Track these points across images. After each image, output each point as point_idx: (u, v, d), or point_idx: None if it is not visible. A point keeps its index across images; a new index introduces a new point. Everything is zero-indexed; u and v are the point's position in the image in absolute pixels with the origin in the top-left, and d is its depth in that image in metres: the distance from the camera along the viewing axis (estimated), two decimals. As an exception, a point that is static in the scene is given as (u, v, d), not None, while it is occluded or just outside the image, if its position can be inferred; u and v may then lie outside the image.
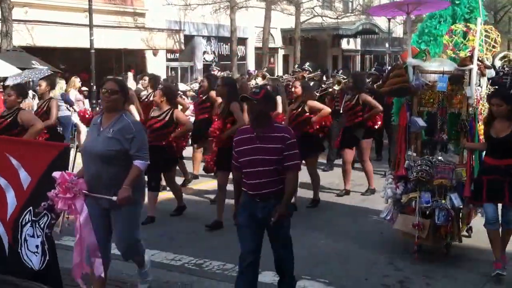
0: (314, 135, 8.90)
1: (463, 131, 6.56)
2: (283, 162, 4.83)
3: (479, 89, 6.59)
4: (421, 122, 6.71)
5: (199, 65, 26.87)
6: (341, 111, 10.78)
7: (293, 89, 9.37)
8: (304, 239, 6.99)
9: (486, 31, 6.85)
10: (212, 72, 15.20)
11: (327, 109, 9.04)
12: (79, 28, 18.96)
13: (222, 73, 15.62)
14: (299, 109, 8.80)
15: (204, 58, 27.47)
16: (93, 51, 17.96)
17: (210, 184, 10.14)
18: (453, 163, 6.53)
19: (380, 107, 9.75)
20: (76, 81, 15.72)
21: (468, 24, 6.89)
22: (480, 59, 6.55)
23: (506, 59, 19.69)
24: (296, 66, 17.80)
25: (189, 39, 26.04)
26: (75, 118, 13.45)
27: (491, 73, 6.89)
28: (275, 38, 31.11)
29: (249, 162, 4.89)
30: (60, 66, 19.18)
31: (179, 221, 8.15)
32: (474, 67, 6.40)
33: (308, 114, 8.79)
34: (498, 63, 15.45)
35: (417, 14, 7.72)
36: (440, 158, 6.63)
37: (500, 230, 6.06)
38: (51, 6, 19.73)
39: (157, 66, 23.21)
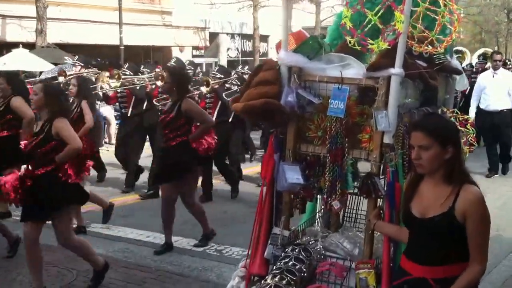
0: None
1: (370, 196, 3.30)
2: None
3: (414, 114, 3.46)
4: (293, 174, 3.49)
5: (223, 61, 26.96)
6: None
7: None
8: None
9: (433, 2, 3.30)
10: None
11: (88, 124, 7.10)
12: (110, 25, 19.14)
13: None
14: None
15: (228, 55, 27.56)
16: (122, 47, 18.15)
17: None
18: (351, 256, 3.43)
19: (210, 121, 6.39)
20: (105, 75, 15.86)
21: None
22: (426, 53, 3.41)
23: (487, 54, 18.77)
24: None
25: (214, 36, 26.14)
26: (105, 111, 13.59)
27: (462, 82, 4.24)
28: (296, 35, 30.97)
29: None
30: (91, 62, 19.37)
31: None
32: (396, 71, 3.20)
33: None
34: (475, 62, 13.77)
35: None
36: (332, 241, 3.53)
37: None
38: (83, 5, 19.87)
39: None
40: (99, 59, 13.75)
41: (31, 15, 17.04)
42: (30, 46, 16.41)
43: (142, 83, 9.15)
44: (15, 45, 16.05)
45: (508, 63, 18.22)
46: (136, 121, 9.07)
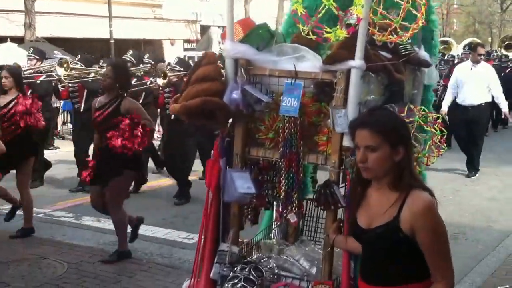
0: None
1: (329, 207, 2.89)
2: None
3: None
4: (244, 183, 3.07)
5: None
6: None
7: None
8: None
9: None
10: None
11: None
12: (99, 19, 18.98)
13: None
14: None
15: (220, 47, 27.44)
16: (112, 41, 18.02)
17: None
18: (308, 275, 3.08)
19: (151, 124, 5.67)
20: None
21: None
22: (391, 43, 3.12)
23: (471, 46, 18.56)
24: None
25: (205, 29, 26.01)
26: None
27: (431, 75, 3.76)
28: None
29: None
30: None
31: (192, 203, 8.15)
32: (357, 63, 2.80)
33: None
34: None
35: None
36: (288, 258, 3.16)
37: None
38: (72, -2, 19.82)
39: (174, 55, 23.19)
40: (85, 53, 13.57)
41: (19, 8, 16.89)
42: (18, 41, 16.25)
43: (95, 77, 8.65)
44: (3, 39, 15.90)
45: (494, 53, 18.22)
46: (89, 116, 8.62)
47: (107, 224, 6.71)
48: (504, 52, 17.99)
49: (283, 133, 2.93)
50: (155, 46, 23.67)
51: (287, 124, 2.91)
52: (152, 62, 10.06)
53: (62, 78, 8.65)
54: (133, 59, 9.59)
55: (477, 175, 9.31)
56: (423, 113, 3.22)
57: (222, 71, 3.17)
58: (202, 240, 3.22)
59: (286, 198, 2.95)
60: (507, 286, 4.92)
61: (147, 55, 10.37)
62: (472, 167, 9.38)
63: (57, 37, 18.15)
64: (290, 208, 2.96)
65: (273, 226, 3.54)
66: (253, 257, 3.13)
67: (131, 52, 9.87)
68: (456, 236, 6.30)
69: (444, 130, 3.27)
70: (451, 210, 7.24)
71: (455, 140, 9.97)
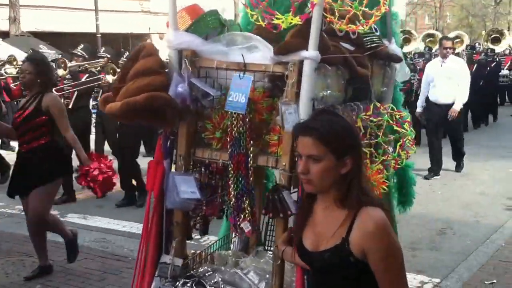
0: None
1: (278, 215, 2.53)
2: None
3: (338, 111, 2.66)
4: (188, 187, 2.75)
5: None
6: None
7: None
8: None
9: None
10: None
11: None
12: (85, 12, 18.75)
13: None
14: None
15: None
16: (99, 35, 17.81)
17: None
18: None
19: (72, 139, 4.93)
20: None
21: None
22: (354, 34, 2.87)
23: (458, 39, 18.44)
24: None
25: (195, 22, 25.82)
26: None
27: (402, 71, 3.51)
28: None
29: None
30: (69, 51, 19.09)
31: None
32: (310, 54, 2.47)
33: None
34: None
35: None
36: (236, 271, 2.83)
37: None
38: (58, -9, 19.57)
39: (164, 49, 23.06)
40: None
41: (3, 2, 16.67)
42: (3, 35, 16.08)
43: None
44: (-14, 34, 15.74)
45: (478, 46, 18.04)
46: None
47: (93, 221, 6.66)
48: (491, 46, 17.77)
49: (231, 132, 2.58)
50: (144, 40, 23.47)
51: (235, 122, 2.56)
52: (108, 56, 9.04)
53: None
54: (84, 53, 8.78)
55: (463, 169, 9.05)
56: (391, 112, 2.92)
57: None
58: (143, 252, 2.85)
59: (237, 205, 2.63)
60: (495, 281, 4.86)
61: (103, 49, 9.62)
62: (460, 160, 9.11)
63: (43, 32, 17.95)
64: (242, 216, 2.63)
65: (232, 235, 3.22)
66: (199, 270, 2.82)
67: (82, 45, 9.08)
68: (444, 231, 6.25)
69: (413, 130, 3.03)
70: (440, 205, 7.20)
71: (427, 139, 9.37)
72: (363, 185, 2.04)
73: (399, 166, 2.98)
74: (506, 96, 18.53)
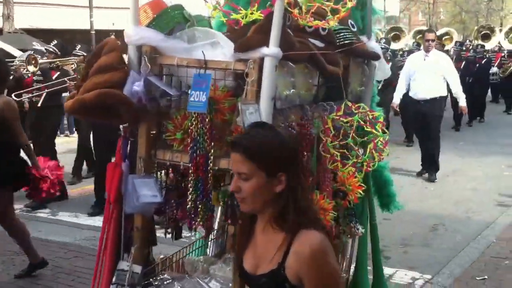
0: None
1: (236, 221, 2.47)
2: None
3: (307, 111, 2.72)
4: (148, 191, 2.62)
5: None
6: None
7: None
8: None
9: None
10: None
11: None
12: (80, 9, 18.74)
13: None
14: None
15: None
16: (93, 32, 17.83)
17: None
18: None
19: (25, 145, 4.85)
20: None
21: None
22: (324, 30, 2.75)
23: (448, 36, 18.28)
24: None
25: (190, 19, 25.85)
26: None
27: (382, 69, 3.37)
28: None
29: None
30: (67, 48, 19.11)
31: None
32: (270, 51, 2.36)
33: None
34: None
35: None
36: (197, 280, 2.74)
37: None
38: (52, -12, 19.57)
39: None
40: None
41: (-4, -1, 16.69)
42: (-4, 32, 16.11)
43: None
44: (-21, 31, 15.75)
45: (468, 43, 18.03)
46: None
47: (84, 219, 6.70)
48: (481, 42, 17.73)
49: (191, 133, 2.47)
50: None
51: (195, 123, 2.44)
52: (85, 54, 8.80)
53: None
54: (56, 50, 8.63)
55: (437, 177, 8.43)
56: (361, 111, 2.79)
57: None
58: (100, 258, 2.74)
59: (194, 210, 2.51)
60: (486, 277, 4.90)
61: (78, 46, 9.45)
62: (432, 167, 8.46)
63: (37, 29, 17.91)
64: (199, 220, 2.53)
65: (208, 239, 3.11)
66: (158, 278, 2.72)
67: (55, 42, 8.94)
68: (435, 227, 6.28)
69: (386, 131, 2.87)
70: (432, 201, 7.24)
71: (415, 134, 9.43)
72: (301, 204, 1.90)
73: (370, 169, 2.85)
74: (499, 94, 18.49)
